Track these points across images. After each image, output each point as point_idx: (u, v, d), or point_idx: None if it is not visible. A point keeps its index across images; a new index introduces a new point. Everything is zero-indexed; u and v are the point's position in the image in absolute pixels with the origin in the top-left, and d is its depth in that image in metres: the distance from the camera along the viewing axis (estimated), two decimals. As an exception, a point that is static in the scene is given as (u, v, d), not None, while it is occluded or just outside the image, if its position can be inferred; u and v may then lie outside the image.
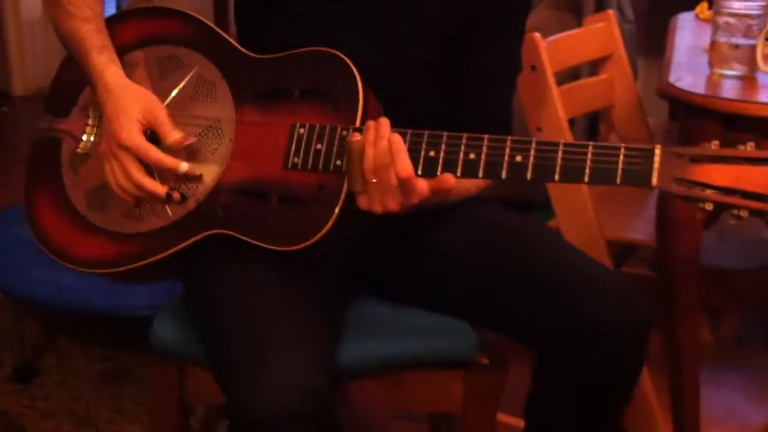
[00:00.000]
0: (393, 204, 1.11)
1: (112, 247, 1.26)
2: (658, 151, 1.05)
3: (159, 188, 1.22)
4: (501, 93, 1.34)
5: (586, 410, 1.22)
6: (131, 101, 1.22)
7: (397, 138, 1.10)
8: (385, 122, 1.12)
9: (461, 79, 1.31)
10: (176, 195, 1.22)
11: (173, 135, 1.21)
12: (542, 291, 1.20)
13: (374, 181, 1.10)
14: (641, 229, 1.86)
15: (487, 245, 1.27)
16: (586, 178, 1.08)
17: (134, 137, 1.20)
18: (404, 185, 1.10)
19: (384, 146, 1.10)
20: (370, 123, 1.12)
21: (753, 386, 1.97)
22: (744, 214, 1.02)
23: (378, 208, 1.11)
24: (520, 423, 1.32)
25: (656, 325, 1.23)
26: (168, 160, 1.21)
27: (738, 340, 2.20)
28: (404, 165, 1.09)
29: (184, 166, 1.21)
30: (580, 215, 1.68)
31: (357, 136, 1.13)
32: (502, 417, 1.45)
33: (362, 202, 1.12)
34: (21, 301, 2.06)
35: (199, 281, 1.24)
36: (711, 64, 1.62)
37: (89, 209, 1.29)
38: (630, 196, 2.02)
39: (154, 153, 1.20)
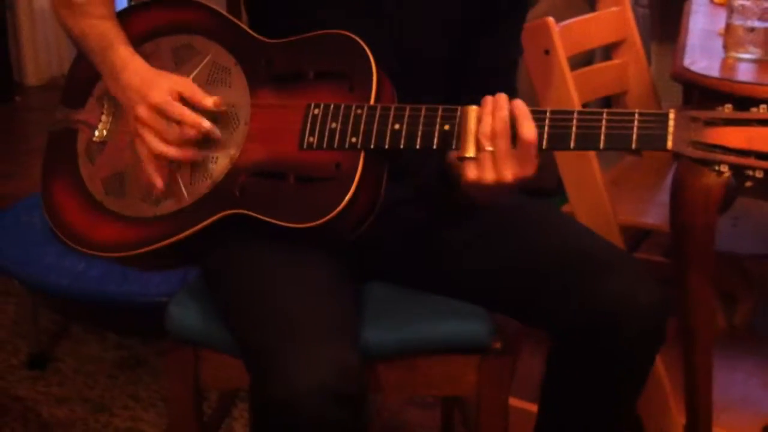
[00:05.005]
0: (509, 173, 1.10)
1: (130, 231, 1.26)
2: (672, 115, 1.06)
3: (204, 121, 1.20)
4: (509, 77, 1.35)
5: (601, 394, 1.22)
6: (159, 77, 1.24)
7: (520, 103, 1.11)
8: (503, 96, 1.12)
9: (472, 69, 1.32)
10: (215, 132, 1.21)
11: (207, 99, 1.22)
12: (558, 275, 1.19)
13: (489, 149, 1.10)
14: (655, 214, 1.85)
15: (502, 231, 1.27)
16: (602, 144, 1.09)
17: (163, 95, 1.21)
18: (525, 150, 1.09)
19: (504, 115, 1.10)
20: (488, 97, 1.13)
21: (766, 372, 1.96)
22: (759, 174, 1.03)
23: (490, 177, 1.11)
24: (532, 407, 1.32)
25: (670, 311, 1.22)
26: (190, 116, 1.21)
27: (752, 326, 2.19)
28: (530, 127, 1.09)
29: (206, 123, 1.21)
30: (593, 199, 1.68)
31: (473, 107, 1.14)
32: (513, 401, 1.45)
33: (471, 171, 1.12)
34: (36, 289, 2.07)
35: (222, 263, 1.24)
36: (726, 48, 1.61)
37: (106, 196, 1.30)
38: (644, 182, 2.02)
39: (180, 107, 1.21)
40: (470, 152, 1.12)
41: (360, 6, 1.26)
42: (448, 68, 1.32)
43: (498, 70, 1.33)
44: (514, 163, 1.10)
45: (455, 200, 1.24)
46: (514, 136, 1.10)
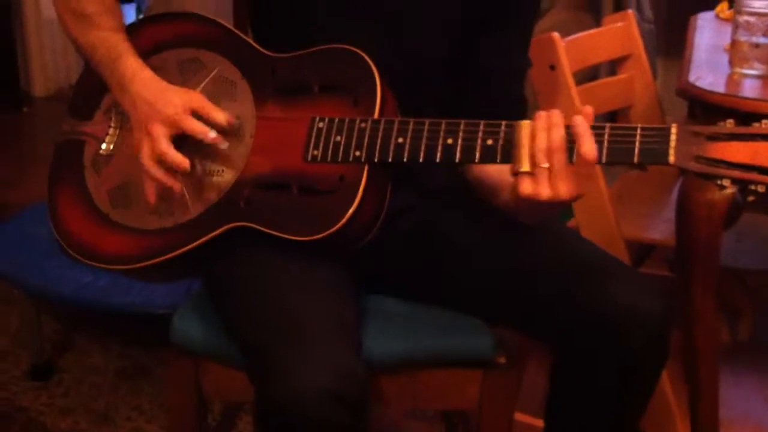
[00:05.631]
0: (565, 190, 1.08)
1: (135, 244, 1.27)
2: (674, 129, 1.06)
3: (180, 159, 1.22)
4: (515, 88, 1.35)
5: (605, 408, 1.21)
6: (172, 91, 1.24)
7: (581, 120, 1.08)
8: (557, 112, 1.10)
9: (474, 74, 1.32)
10: (223, 143, 1.23)
11: (219, 114, 1.23)
12: (561, 287, 1.19)
13: (545, 165, 1.09)
14: (660, 230, 1.85)
15: (505, 241, 1.27)
16: (604, 158, 1.08)
17: (176, 110, 1.22)
18: (583, 168, 1.07)
19: (561, 131, 1.08)
20: (542, 112, 1.11)
21: (770, 388, 1.96)
22: (761, 189, 1.03)
23: (546, 193, 1.09)
24: (537, 422, 1.32)
25: (674, 325, 1.22)
26: (199, 127, 1.22)
27: (755, 341, 2.19)
28: (590, 145, 1.07)
29: (212, 133, 1.22)
30: (598, 214, 1.68)
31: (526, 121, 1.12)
32: (519, 416, 1.45)
33: (527, 186, 1.09)
34: (40, 299, 2.07)
35: (225, 268, 1.24)
36: (731, 64, 1.62)
37: (112, 208, 1.30)
38: (649, 197, 2.02)
39: (191, 120, 1.22)
40: (525, 167, 1.10)
41: (360, 6, 1.27)
42: (449, 69, 1.33)
43: (501, 75, 1.33)
44: (570, 180, 1.08)
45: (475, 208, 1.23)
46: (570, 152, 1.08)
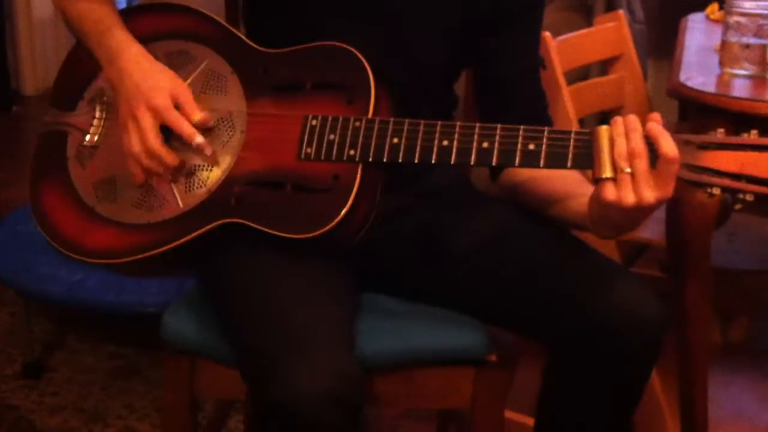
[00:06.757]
0: (649, 194, 1.06)
1: (122, 238, 1.26)
2: None
3: (171, 157, 1.21)
4: (533, 85, 1.35)
5: (596, 409, 1.22)
6: (160, 73, 1.23)
7: (654, 123, 1.07)
8: (634, 116, 1.09)
9: (491, 79, 1.33)
10: (207, 149, 1.22)
11: (198, 114, 1.22)
12: (556, 288, 1.20)
13: (627, 170, 1.07)
14: (652, 229, 1.85)
15: (501, 242, 1.27)
16: None
17: (165, 100, 1.21)
18: (666, 169, 1.05)
19: (639, 136, 1.07)
20: (618, 117, 1.09)
21: (762, 387, 1.97)
22: (750, 198, 1.05)
23: (630, 199, 1.07)
24: (528, 420, 1.32)
25: (669, 324, 1.22)
26: (187, 128, 1.21)
27: (748, 341, 2.20)
28: (670, 145, 1.05)
29: (199, 138, 1.21)
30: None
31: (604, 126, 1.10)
32: (510, 414, 1.45)
33: (609, 192, 1.07)
34: (31, 298, 2.07)
35: (221, 269, 1.24)
36: (722, 64, 1.63)
37: (98, 201, 1.29)
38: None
39: (179, 118, 1.21)
40: (607, 173, 1.08)
41: (359, 10, 1.26)
42: (448, 72, 1.33)
43: (517, 76, 1.33)
44: (654, 183, 1.06)
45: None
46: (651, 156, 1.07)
